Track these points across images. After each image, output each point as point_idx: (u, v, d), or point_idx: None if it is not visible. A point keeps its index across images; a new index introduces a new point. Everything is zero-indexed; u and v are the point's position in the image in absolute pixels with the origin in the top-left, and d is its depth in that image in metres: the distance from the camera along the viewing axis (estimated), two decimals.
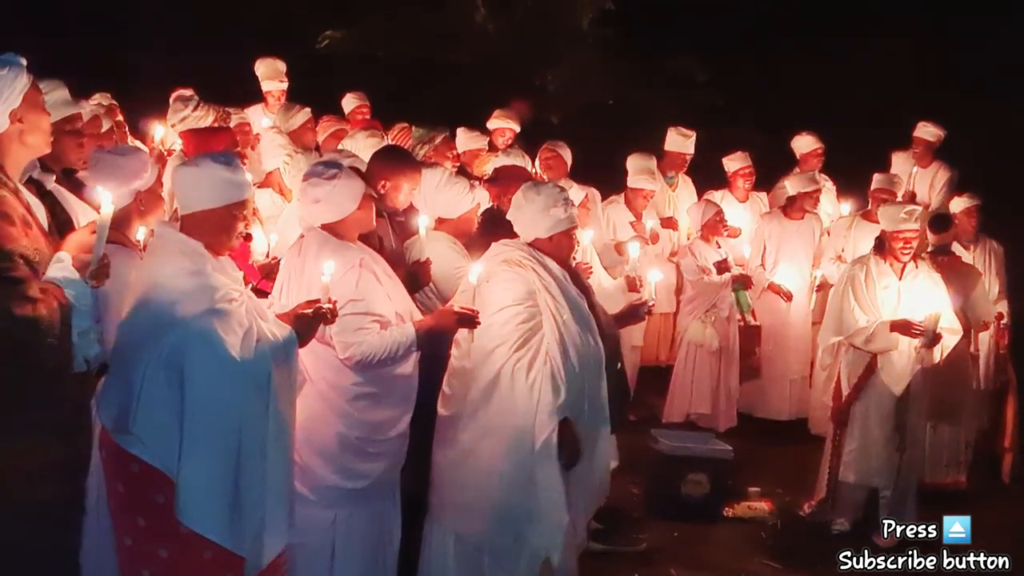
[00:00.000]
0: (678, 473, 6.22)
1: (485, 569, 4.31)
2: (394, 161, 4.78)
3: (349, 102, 8.59)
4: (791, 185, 8.21)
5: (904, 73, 13.48)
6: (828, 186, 8.93)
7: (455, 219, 4.94)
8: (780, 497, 6.63)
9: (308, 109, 7.47)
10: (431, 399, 4.39)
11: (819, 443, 6.60)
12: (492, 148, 7.65)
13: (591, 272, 6.50)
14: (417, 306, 4.37)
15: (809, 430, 7.83)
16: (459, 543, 4.34)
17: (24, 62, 3.22)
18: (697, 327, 7.71)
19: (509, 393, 4.20)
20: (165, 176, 4.13)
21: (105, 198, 3.15)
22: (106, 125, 6.36)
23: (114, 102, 7.25)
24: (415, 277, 4.55)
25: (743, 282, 7.80)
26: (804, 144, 8.82)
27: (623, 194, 7.90)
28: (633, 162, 7.82)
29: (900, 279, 6.00)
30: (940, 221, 6.91)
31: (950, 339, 5.99)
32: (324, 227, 4.12)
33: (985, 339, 7.21)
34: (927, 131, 8.83)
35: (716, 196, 8.31)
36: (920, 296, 5.92)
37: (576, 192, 6.43)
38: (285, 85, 8.27)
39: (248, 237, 5.09)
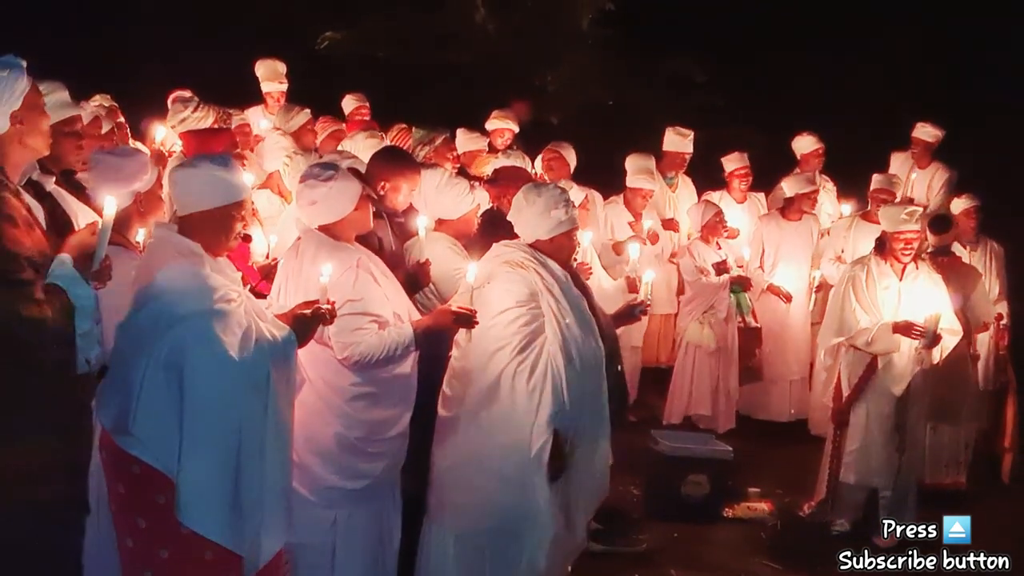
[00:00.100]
0: (678, 474, 6.22)
1: (486, 570, 4.31)
2: (393, 162, 4.78)
3: (349, 103, 8.60)
4: (788, 186, 8.22)
5: (904, 73, 13.49)
6: (829, 187, 8.93)
7: (455, 220, 4.93)
8: (780, 498, 6.64)
9: (308, 110, 7.47)
10: (431, 399, 4.39)
11: (819, 444, 6.60)
12: (492, 149, 7.65)
13: (591, 273, 6.51)
14: (416, 306, 4.37)
15: (809, 431, 7.83)
16: (459, 543, 4.33)
17: (24, 64, 3.23)
18: (695, 328, 7.72)
19: (509, 396, 4.20)
20: (165, 177, 4.13)
21: (109, 201, 3.16)
22: (106, 127, 6.36)
23: (114, 103, 7.24)
24: (415, 278, 4.55)
25: (742, 283, 7.79)
26: (804, 144, 8.82)
27: (622, 195, 7.90)
28: (632, 162, 7.82)
29: (900, 280, 6.00)
30: (940, 222, 6.91)
31: (950, 340, 5.99)
32: (321, 228, 4.12)
33: (985, 340, 7.21)
34: (925, 131, 8.84)
35: (714, 197, 8.31)
36: (920, 297, 5.92)
37: (576, 193, 6.43)
38: (285, 86, 8.28)
39: (247, 238, 5.10)
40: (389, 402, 4.17)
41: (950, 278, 6.28)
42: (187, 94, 6.39)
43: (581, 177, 7.57)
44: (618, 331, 4.88)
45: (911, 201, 7.92)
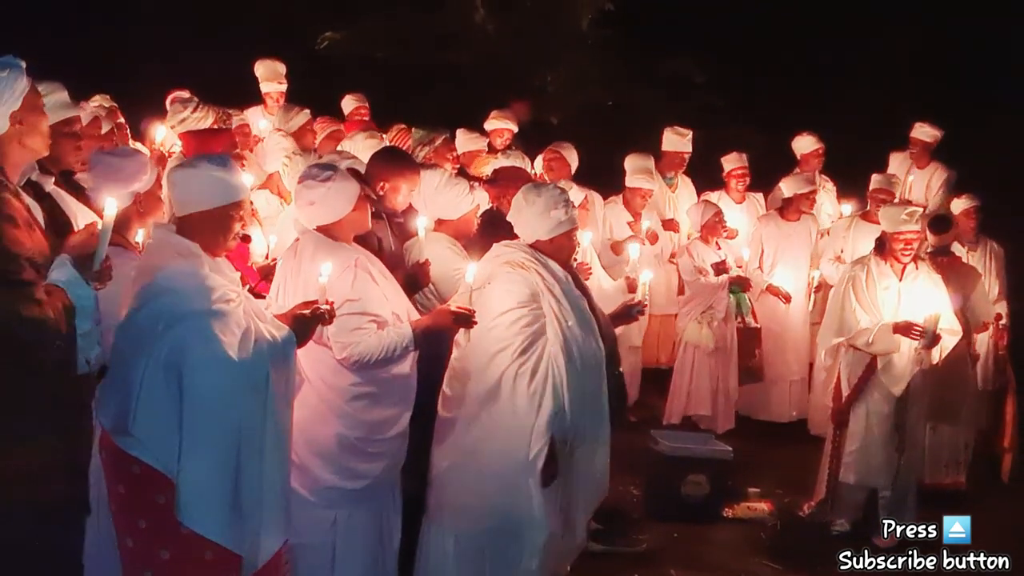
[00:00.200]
0: (678, 474, 6.23)
1: (485, 570, 4.31)
2: (392, 162, 4.78)
3: (348, 103, 8.60)
4: (787, 187, 8.22)
5: (904, 73, 13.48)
6: (828, 187, 8.94)
7: (455, 220, 4.94)
8: (780, 498, 6.64)
9: (307, 110, 7.47)
10: (431, 399, 4.39)
11: (819, 444, 6.61)
12: (491, 149, 7.65)
13: (590, 273, 6.51)
14: (416, 307, 4.37)
15: (808, 431, 7.84)
16: (459, 544, 4.34)
17: (23, 64, 3.23)
18: (694, 328, 7.71)
19: (510, 399, 4.20)
20: (164, 178, 4.13)
21: (109, 202, 3.16)
22: (106, 127, 6.36)
23: (114, 104, 7.24)
24: (414, 278, 4.55)
25: (741, 284, 7.79)
26: (804, 144, 8.83)
27: (621, 195, 7.90)
28: (631, 162, 7.83)
29: (900, 280, 6.00)
30: (940, 222, 6.91)
31: (950, 340, 5.99)
32: (319, 229, 4.12)
33: (984, 340, 7.21)
34: (924, 132, 8.84)
35: (713, 197, 8.32)
36: (920, 297, 5.92)
37: (576, 193, 6.43)
38: (284, 87, 8.27)
39: (246, 238, 5.11)
40: (389, 402, 4.17)
41: (950, 278, 6.28)
42: (186, 94, 6.39)
43: (581, 177, 7.57)
44: (617, 331, 4.88)
45: (909, 202, 7.92)
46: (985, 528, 5.38)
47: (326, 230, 4.12)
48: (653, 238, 7.79)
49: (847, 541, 5.68)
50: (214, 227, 3.50)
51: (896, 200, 7.56)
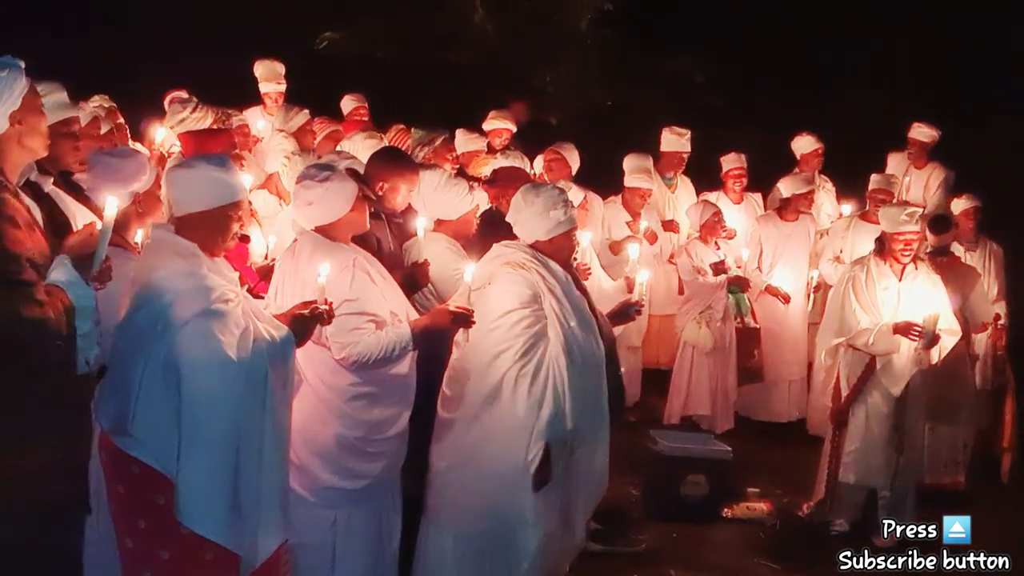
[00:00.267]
0: (677, 474, 6.23)
1: (483, 570, 4.31)
2: (391, 162, 4.78)
3: (348, 103, 8.59)
4: (784, 187, 8.21)
5: (904, 73, 13.48)
6: (828, 187, 8.94)
7: (454, 220, 4.93)
8: (779, 498, 6.64)
9: (307, 111, 7.46)
10: (431, 399, 4.39)
11: (818, 444, 6.61)
12: (490, 149, 7.65)
13: (590, 273, 6.50)
14: (415, 307, 4.37)
15: (808, 431, 7.84)
16: (457, 544, 4.34)
17: (23, 64, 3.23)
18: (692, 328, 7.71)
19: (511, 401, 4.20)
20: (163, 178, 4.13)
21: (110, 201, 3.16)
22: (106, 127, 6.35)
23: (113, 104, 7.24)
24: (413, 278, 4.55)
25: (740, 284, 7.79)
26: (804, 144, 8.83)
27: (620, 195, 7.90)
28: (629, 162, 7.84)
29: (900, 280, 6.00)
30: (940, 222, 6.92)
31: (949, 340, 5.99)
32: (317, 229, 4.12)
33: (983, 340, 7.21)
34: (921, 132, 8.85)
35: (711, 198, 8.31)
36: (920, 297, 5.93)
37: (575, 193, 6.43)
38: (283, 87, 8.26)
39: (244, 238, 5.11)
40: (388, 402, 4.17)
41: (949, 278, 6.29)
42: (184, 95, 6.39)
43: (579, 178, 7.56)
44: (616, 331, 4.88)
45: (908, 202, 7.92)
46: (985, 528, 5.38)
47: (324, 230, 4.11)
48: (652, 238, 7.79)
49: (846, 541, 5.69)
50: (212, 227, 3.50)
51: (895, 200, 7.56)
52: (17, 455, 3.07)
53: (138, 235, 4.04)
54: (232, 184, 3.55)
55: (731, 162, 8.59)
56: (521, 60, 11.97)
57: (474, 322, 4.17)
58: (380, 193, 4.60)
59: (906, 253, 5.96)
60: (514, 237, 4.49)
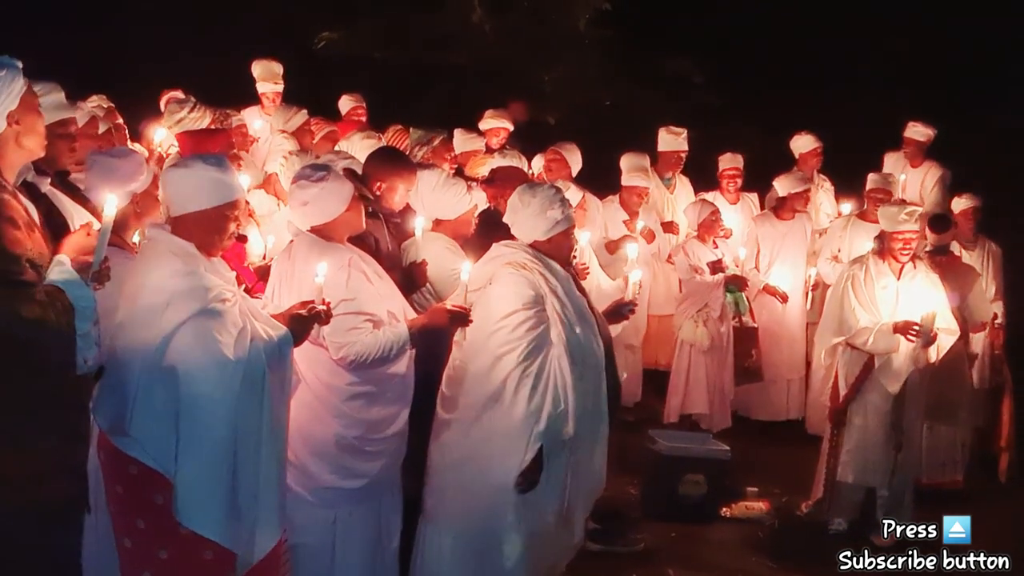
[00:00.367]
0: (675, 473, 6.23)
1: (481, 570, 4.31)
2: (389, 162, 4.78)
3: (345, 103, 8.59)
4: (780, 186, 8.21)
5: (904, 73, 13.48)
6: (827, 186, 8.94)
7: (452, 220, 4.93)
8: (777, 497, 6.64)
9: (305, 110, 7.46)
10: (430, 399, 4.39)
11: (816, 443, 6.61)
12: (487, 149, 7.64)
13: (588, 273, 6.50)
14: (413, 306, 4.37)
15: (806, 430, 7.84)
16: (456, 544, 4.33)
17: (20, 64, 3.23)
18: (689, 326, 7.70)
19: (511, 403, 4.19)
20: (160, 178, 4.13)
21: (110, 200, 3.16)
22: (104, 127, 6.34)
23: (112, 104, 7.23)
24: (412, 278, 4.55)
25: (738, 283, 7.79)
26: (803, 144, 8.83)
27: (618, 194, 7.90)
28: (627, 161, 7.86)
29: (898, 279, 6.00)
30: (940, 221, 6.93)
31: (947, 339, 6.00)
32: (313, 230, 4.12)
33: (981, 339, 7.22)
34: (917, 131, 8.86)
35: (707, 197, 8.31)
36: (918, 297, 5.93)
37: (573, 193, 6.42)
38: (281, 87, 8.25)
39: (242, 238, 5.10)
40: (386, 401, 4.17)
41: (948, 277, 6.30)
42: (180, 94, 6.38)
43: (578, 178, 7.55)
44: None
45: (906, 201, 7.92)
46: (985, 528, 5.39)
47: (320, 231, 4.12)
48: (649, 237, 7.79)
49: (845, 540, 5.69)
50: (209, 227, 3.50)
51: (893, 199, 7.56)
52: (17, 455, 3.07)
53: (136, 235, 4.04)
54: (229, 184, 3.55)
55: (726, 162, 8.59)
56: (520, 60, 11.97)
57: (471, 321, 4.17)
58: (378, 193, 4.60)
59: (905, 252, 5.97)
60: (512, 237, 4.48)
